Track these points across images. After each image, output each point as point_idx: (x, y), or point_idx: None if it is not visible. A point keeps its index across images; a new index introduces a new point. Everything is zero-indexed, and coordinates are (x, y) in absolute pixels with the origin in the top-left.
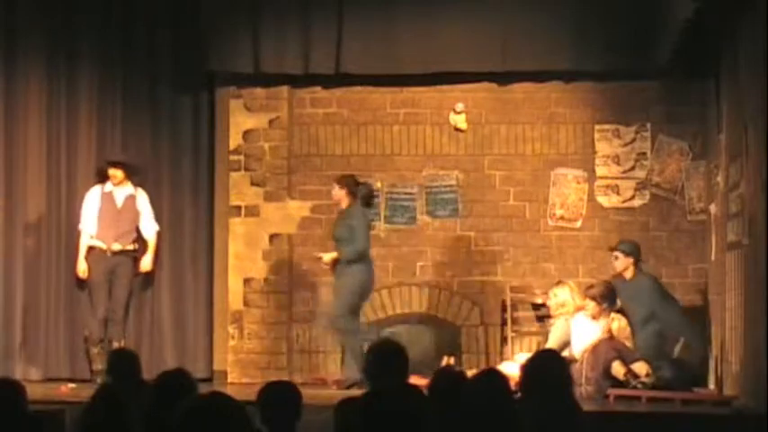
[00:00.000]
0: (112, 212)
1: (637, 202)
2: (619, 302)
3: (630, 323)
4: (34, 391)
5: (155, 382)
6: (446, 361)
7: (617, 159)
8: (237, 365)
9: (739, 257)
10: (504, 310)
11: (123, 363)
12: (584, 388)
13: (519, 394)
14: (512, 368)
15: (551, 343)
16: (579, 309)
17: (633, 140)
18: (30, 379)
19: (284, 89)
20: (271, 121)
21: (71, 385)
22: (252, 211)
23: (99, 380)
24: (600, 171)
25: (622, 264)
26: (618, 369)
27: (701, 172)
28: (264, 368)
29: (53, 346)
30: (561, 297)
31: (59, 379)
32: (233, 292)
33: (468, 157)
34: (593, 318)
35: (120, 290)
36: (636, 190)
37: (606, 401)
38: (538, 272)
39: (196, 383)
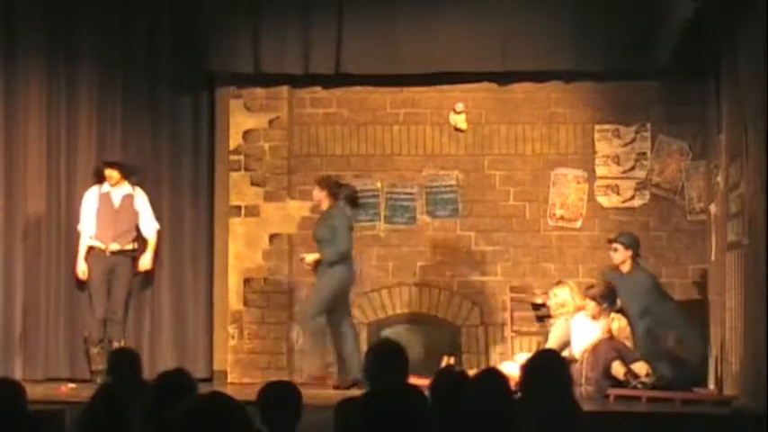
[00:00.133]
0: (110, 213)
1: (637, 202)
2: (619, 302)
3: (627, 316)
4: (34, 391)
5: (155, 382)
6: (446, 361)
7: (617, 159)
8: (237, 365)
9: (739, 257)
10: (504, 310)
11: (124, 362)
12: (584, 388)
13: (519, 394)
14: (512, 368)
15: (551, 343)
16: (579, 309)
17: (633, 140)
18: (30, 379)
19: (284, 89)
20: (271, 121)
21: (71, 385)
22: (252, 211)
23: (99, 380)
24: (600, 171)
25: (621, 256)
26: (618, 369)
27: (700, 172)
28: (264, 368)
29: (53, 346)
30: (561, 297)
31: (59, 379)
32: (233, 292)
33: (468, 157)
34: (594, 318)
35: (119, 290)
36: (636, 190)
37: (606, 401)
38: (538, 272)
39: (196, 383)
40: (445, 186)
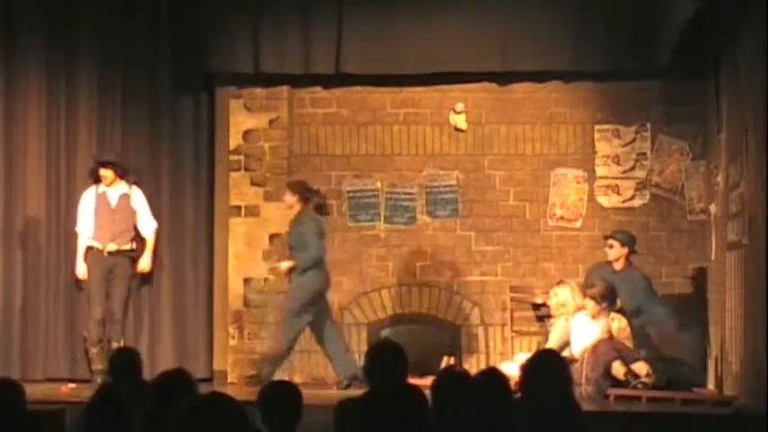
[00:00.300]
0: (107, 212)
1: (637, 202)
2: (619, 302)
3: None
4: (34, 391)
5: (155, 382)
6: (446, 361)
7: (617, 159)
8: (237, 365)
9: (739, 257)
10: (504, 310)
11: (124, 362)
12: (584, 388)
13: (519, 394)
14: (512, 368)
15: (551, 343)
16: (579, 308)
17: (633, 140)
18: (30, 379)
19: (284, 89)
20: (271, 121)
21: (71, 385)
22: (252, 211)
23: (99, 380)
24: (600, 171)
25: (616, 253)
26: (618, 369)
27: (700, 172)
28: None
29: (53, 347)
30: (562, 297)
31: (59, 379)
32: (233, 292)
33: (468, 157)
34: (593, 317)
35: (117, 290)
36: (636, 190)
37: (606, 401)
38: (538, 272)
39: (196, 383)
40: (445, 186)
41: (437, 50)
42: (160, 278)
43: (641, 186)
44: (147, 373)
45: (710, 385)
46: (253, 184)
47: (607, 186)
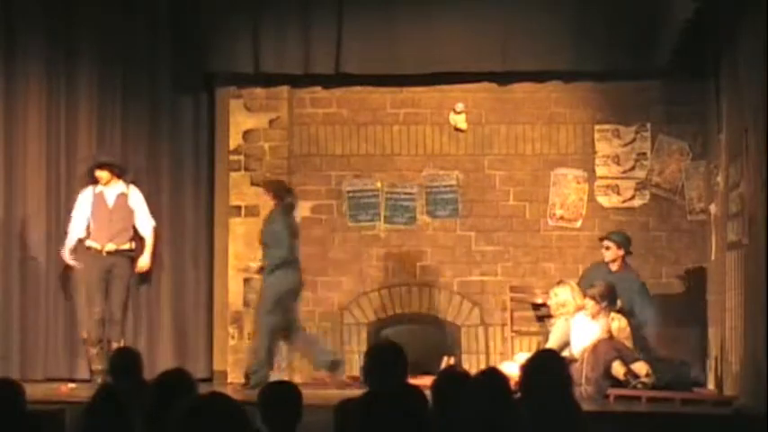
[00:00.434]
0: (105, 212)
1: (637, 202)
2: (619, 303)
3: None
4: (34, 391)
5: (155, 382)
6: (446, 361)
7: (617, 159)
8: (237, 365)
9: (739, 257)
10: (504, 310)
11: (125, 362)
12: (584, 388)
13: (519, 394)
14: (512, 368)
15: (551, 343)
16: (579, 308)
17: (633, 140)
18: (29, 379)
19: (284, 89)
20: (271, 121)
21: (71, 385)
22: (252, 211)
23: (99, 380)
24: (600, 171)
25: (612, 254)
26: (618, 369)
27: (700, 172)
28: None
29: (53, 346)
30: (562, 297)
31: (59, 379)
32: (233, 292)
33: (468, 157)
34: (593, 317)
35: (117, 290)
36: (636, 190)
37: (606, 401)
38: (538, 272)
39: (196, 383)
40: (445, 186)
41: (437, 50)
42: (160, 278)
43: (641, 186)
44: (147, 373)
45: (710, 385)
46: (253, 184)
47: (607, 186)
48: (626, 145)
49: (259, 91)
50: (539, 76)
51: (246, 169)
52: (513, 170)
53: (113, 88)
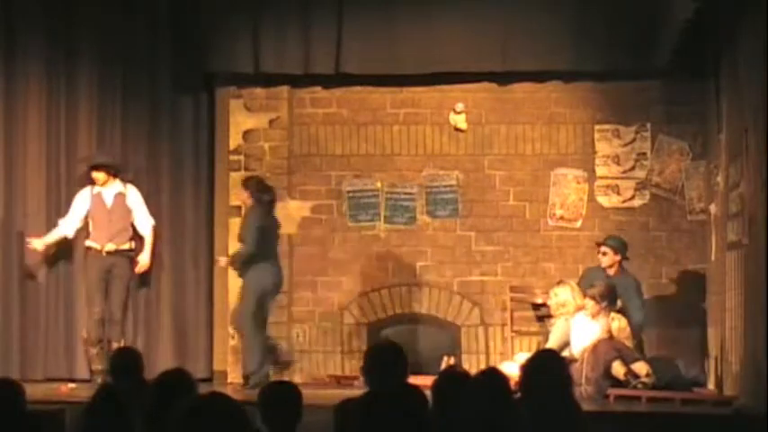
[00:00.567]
0: (103, 213)
1: (637, 202)
2: (619, 303)
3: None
4: (34, 391)
5: (155, 382)
6: (446, 361)
7: (617, 159)
8: (237, 365)
9: (739, 257)
10: (504, 310)
11: (126, 362)
12: (584, 388)
13: (519, 394)
14: (512, 368)
15: (551, 343)
16: (579, 308)
17: (633, 140)
18: (30, 379)
19: (284, 89)
20: (271, 121)
21: (71, 385)
22: None
23: (99, 380)
24: (600, 171)
25: (609, 260)
26: (618, 369)
27: (700, 172)
28: None
29: (53, 346)
30: (562, 297)
31: (59, 379)
32: (233, 292)
33: (468, 157)
34: (593, 317)
35: (117, 290)
36: (636, 190)
37: (606, 401)
38: (538, 272)
39: (196, 383)
40: (445, 186)
41: (437, 50)
42: (160, 278)
43: (641, 186)
44: (147, 373)
45: (710, 385)
46: None
47: (607, 186)
48: (626, 145)
49: (259, 91)
50: (539, 76)
51: (246, 169)
52: (513, 170)
53: (113, 88)
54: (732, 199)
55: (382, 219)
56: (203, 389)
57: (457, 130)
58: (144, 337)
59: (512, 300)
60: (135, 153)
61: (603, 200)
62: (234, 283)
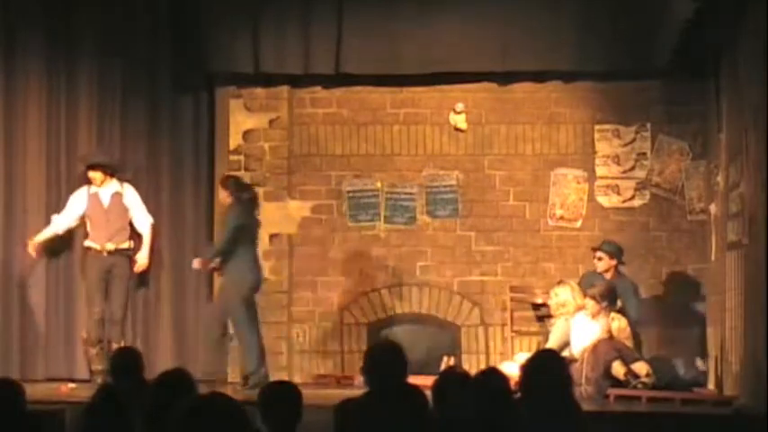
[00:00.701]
0: (101, 213)
1: (637, 202)
2: (619, 303)
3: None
4: (34, 391)
5: (155, 382)
6: (446, 361)
7: (617, 159)
8: (237, 365)
9: (739, 257)
10: (504, 310)
11: (126, 362)
12: (584, 388)
13: (519, 394)
14: (512, 368)
15: (551, 343)
16: (579, 308)
17: (633, 140)
18: (30, 379)
19: (284, 89)
20: (271, 121)
21: (71, 385)
22: None
23: (99, 380)
24: (600, 171)
25: (605, 265)
26: (618, 369)
27: (700, 172)
28: None
29: (53, 346)
30: (562, 297)
31: (59, 379)
32: None
33: (468, 157)
34: (593, 317)
35: (117, 290)
36: (636, 190)
37: (606, 401)
38: (538, 272)
39: (196, 383)
40: (445, 186)
41: (437, 50)
42: (160, 277)
43: (641, 186)
44: (147, 373)
45: (710, 385)
46: (253, 184)
47: (607, 186)
48: (626, 145)
49: (259, 91)
50: (539, 76)
51: (246, 169)
52: (513, 170)
53: (113, 87)
54: (732, 199)
55: (382, 219)
56: (203, 389)
57: (457, 130)
58: (144, 337)
59: (512, 300)
60: (135, 152)
61: (603, 200)
62: None
